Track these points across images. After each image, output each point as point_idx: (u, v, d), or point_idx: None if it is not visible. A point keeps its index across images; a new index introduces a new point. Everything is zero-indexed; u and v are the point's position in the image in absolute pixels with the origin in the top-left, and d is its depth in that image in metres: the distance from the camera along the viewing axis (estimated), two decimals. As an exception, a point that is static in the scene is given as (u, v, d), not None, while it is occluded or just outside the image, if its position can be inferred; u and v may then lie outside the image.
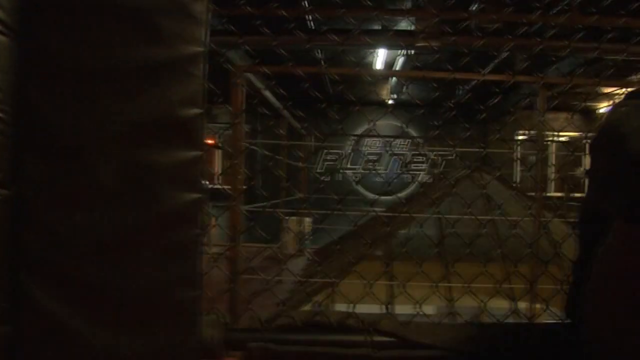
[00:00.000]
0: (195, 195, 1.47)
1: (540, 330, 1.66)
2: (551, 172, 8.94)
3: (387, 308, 2.87)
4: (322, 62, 9.46)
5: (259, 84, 4.59)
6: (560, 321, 1.63)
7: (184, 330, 1.48)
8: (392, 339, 1.59)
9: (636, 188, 1.02)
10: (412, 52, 7.97)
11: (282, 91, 2.59)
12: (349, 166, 12.63)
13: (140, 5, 1.39)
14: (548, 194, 9.80)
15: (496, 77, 2.78)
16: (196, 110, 1.46)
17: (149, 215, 1.42)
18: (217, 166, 11.50)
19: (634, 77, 8.22)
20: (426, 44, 5.98)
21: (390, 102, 12.02)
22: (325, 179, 11.00)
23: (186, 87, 1.46)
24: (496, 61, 8.91)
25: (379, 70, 9.04)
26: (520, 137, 10.86)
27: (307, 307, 4.97)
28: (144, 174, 1.40)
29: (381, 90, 11.61)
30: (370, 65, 9.86)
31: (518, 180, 10.67)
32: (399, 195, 9.49)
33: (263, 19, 1.97)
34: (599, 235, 1.27)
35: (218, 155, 12.28)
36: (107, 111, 1.37)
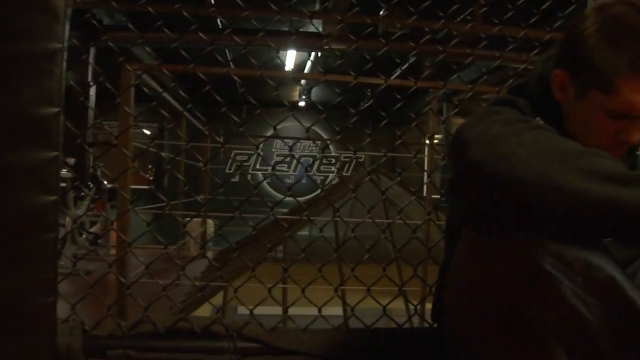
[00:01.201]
0: (51, 198, 1.40)
1: (410, 334, 1.68)
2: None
3: (285, 311, 2.86)
4: (231, 64, 9.40)
5: (155, 85, 4.49)
6: (429, 325, 1.66)
7: (38, 337, 1.42)
8: (257, 345, 1.57)
9: (474, 196, 1.05)
10: (319, 54, 8.03)
11: (182, 92, 2.55)
12: (258, 167, 12.61)
13: (-11, -2, 1.32)
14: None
15: (399, 83, 2.82)
16: (53, 109, 1.40)
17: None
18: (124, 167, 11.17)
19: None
20: (331, 47, 6.04)
21: (301, 104, 12.08)
22: (235, 180, 10.92)
23: (42, 85, 1.39)
24: (403, 67, 9.10)
25: (287, 72, 9.04)
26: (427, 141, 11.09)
27: (206, 311, 4.91)
28: (-6, 176, 1.33)
29: (292, 92, 11.65)
30: (281, 66, 9.87)
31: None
32: (309, 196, 9.51)
33: (169, 19, 1.92)
34: (457, 240, 1.30)
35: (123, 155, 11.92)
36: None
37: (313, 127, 2.19)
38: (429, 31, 2.43)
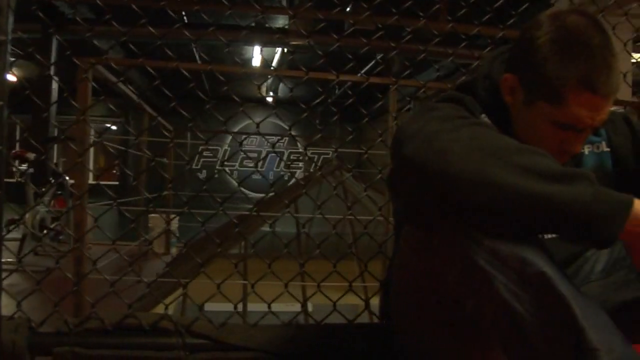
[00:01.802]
0: (-5, 192, 1.38)
1: (360, 330, 1.68)
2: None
3: (235, 307, 2.83)
4: (198, 58, 9.34)
5: (113, 79, 4.42)
6: (378, 321, 1.66)
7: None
8: (206, 341, 1.56)
9: (410, 192, 1.05)
10: (286, 50, 8.01)
11: (129, 88, 2.51)
12: (226, 163, 12.54)
13: None
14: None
15: (351, 79, 2.82)
16: (-5, 103, 1.37)
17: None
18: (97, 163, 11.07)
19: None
20: (292, 42, 6.03)
21: (269, 99, 12.05)
22: (202, 177, 10.86)
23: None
24: (369, 64, 9.15)
25: (253, 67, 9.02)
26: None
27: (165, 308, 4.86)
28: None
29: (260, 88, 11.60)
30: (248, 61, 9.84)
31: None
32: (278, 192, 9.49)
33: (154, 15, 1.90)
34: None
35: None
36: None
37: (280, 123, 2.18)
38: (382, 27, 2.44)
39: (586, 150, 1.39)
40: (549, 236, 1.24)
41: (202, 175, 11.55)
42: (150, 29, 2.01)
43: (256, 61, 9.64)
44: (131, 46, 1.91)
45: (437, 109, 1.11)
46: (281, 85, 11.08)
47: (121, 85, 3.96)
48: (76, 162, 2.55)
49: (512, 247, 0.97)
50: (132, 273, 1.84)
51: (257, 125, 2.22)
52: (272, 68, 8.93)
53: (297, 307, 3.66)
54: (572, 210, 0.93)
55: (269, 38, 7.12)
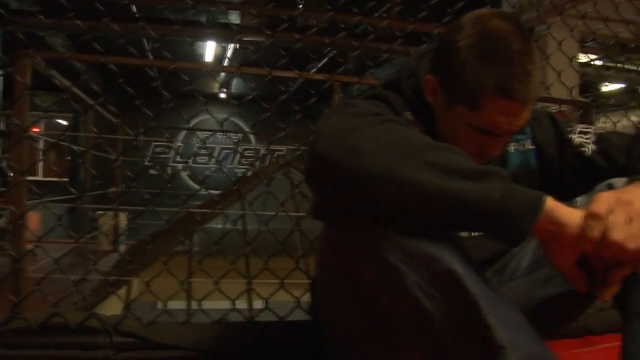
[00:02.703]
0: None
1: (291, 327, 1.68)
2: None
3: (198, 304, 2.81)
4: (150, 53, 9.21)
5: (57, 75, 4.33)
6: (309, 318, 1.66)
7: None
8: (134, 340, 1.54)
9: (322, 189, 1.04)
10: (238, 46, 7.96)
11: (61, 79, 2.46)
12: (178, 159, 12.36)
13: None
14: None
15: (287, 74, 2.81)
16: None
17: None
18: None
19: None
20: (246, 39, 5.99)
21: (222, 95, 11.94)
22: (154, 172, 10.69)
23: None
24: (322, 62, 9.15)
25: (207, 63, 8.94)
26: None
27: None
28: None
29: (213, 84, 11.51)
30: (200, 57, 9.75)
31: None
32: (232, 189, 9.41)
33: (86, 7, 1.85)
34: None
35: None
36: None
37: (233, 120, 2.16)
38: (345, 26, 2.45)
39: (512, 148, 1.40)
40: (475, 233, 1.25)
41: (155, 171, 11.35)
42: (79, 22, 1.97)
43: (209, 57, 9.58)
44: (59, 40, 1.86)
45: (353, 106, 1.09)
46: (234, 82, 11.01)
47: (59, 79, 3.86)
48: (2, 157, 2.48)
49: (423, 244, 0.96)
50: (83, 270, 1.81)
51: (221, 124, 2.21)
52: (224, 65, 8.88)
53: (256, 305, 3.62)
54: (481, 207, 0.93)
55: (230, 35, 7.05)
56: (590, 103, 4.46)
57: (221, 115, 2.39)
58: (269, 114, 2.02)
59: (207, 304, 1.83)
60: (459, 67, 1.17)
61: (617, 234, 0.91)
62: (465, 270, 0.95)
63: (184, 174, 11.32)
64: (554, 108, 4.78)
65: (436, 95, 1.26)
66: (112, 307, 4.34)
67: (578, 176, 1.36)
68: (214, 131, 6.47)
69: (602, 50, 7.26)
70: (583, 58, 9.02)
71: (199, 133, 9.98)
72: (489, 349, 0.91)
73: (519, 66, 1.14)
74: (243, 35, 5.18)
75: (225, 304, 1.83)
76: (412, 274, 0.96)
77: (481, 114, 1.17)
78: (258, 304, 2.27)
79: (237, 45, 8.39)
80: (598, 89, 11.41)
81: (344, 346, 1.29)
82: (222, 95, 11.95)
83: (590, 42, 6.77)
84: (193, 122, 11.55)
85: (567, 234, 0.94)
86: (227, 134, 10.64)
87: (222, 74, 10.30)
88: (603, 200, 0.94)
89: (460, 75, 1.17)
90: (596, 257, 0.97)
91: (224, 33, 6.76)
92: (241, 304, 2.06)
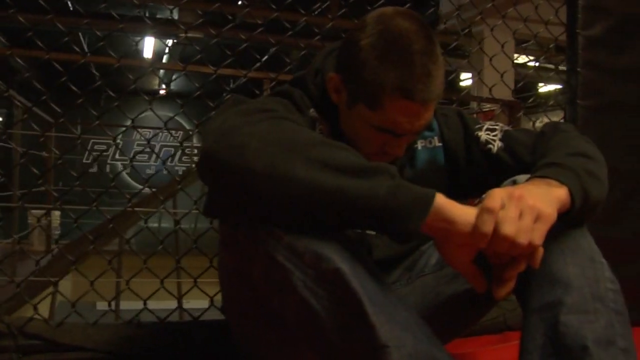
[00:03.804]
0: None
1: (204, 327, 1.66)
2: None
3: (109, 304, 2.76)
4: (86, 49, 9.00)
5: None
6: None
7: None
8: (40, 342, 1.49)
9: (211, 187, 1.04)
10: (175, 42, 7.86)
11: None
12: (117, 157, 12.15)
13: None
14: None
15: (231, 72, 2.79)
16: None
17: None
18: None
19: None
20: (187, 35, 5.92)
21: (162, 92, 11.76)
22: (93, 170, 10.48)
23: None
24: (263, 59, 9.08)
25: (146, 60, 8.80)
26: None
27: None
28: None
29: (153, 80, 11.30)
30: (139, 54, 9.58)
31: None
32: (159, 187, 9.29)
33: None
34: None
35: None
36: None
37: (168, 115, 2.13)
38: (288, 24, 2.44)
39: (419, 145, 1.41)
40: None
41: (93, 169, 11.10)
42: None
43: (147, 53, 9.43)
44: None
45: (242, 103, 1.07)
46: (174, 78, 10.85)
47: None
48: None
49: (310, 243, 0.96)
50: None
51: (165, 123, 2.18)
52: (163, 61, 8.75)
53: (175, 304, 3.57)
54: (367, 204, 0.93)
55: (170, 30, 6.95)
56: (519, 103, 4.56)
57: (162, 112, 2.35)
58: (214, 112, 2.00)
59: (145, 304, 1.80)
60: (360, 66, 1.18)
61: (508, 228, 0.92)
62: (351, 268, 0.94)
63: (124, 172, 11.12)
64: (487, 107, 4.90)
65: (340, 93, 1.26)
66: (42, 309, 4.25)
67: (485, 173, 1.38)
68: (157, 129, 6.34)
69: (539, 52, 7.45)
70: (521, 59, 9.26)
71: (141, 131, 9.84)
72: (372, 348, 0.91)
73: (420, 66, 1.14)
74: (182, 32, 5.11)
75: (159, 304, 1.82)
76: (299, 273, 0.95)
77: (382, 114, 1.17)
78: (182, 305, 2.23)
79: (175, 41, 8.27)
80: (536, 90, 11.72)
81: (248, 346, 1.28)
82: (162, 92, 11.77)
83: (525, 44, 6.94)
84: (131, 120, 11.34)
85: (459, 231, 0.95)
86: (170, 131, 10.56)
87: (163, 70, 10.13)
88: (495, 195, 0.95)
89: (361, 75, 1.18)
90: (492, 254, 0.98)
91: (167, 29, 6.66)
92: (162, 304, 2.03)
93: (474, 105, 5.87)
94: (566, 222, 1.07)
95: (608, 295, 1.06)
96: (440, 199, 0.95)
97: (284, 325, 1.03)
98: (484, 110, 4.96)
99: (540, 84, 11.24)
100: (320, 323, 0.95)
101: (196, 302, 2.19)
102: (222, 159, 0.96)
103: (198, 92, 2.01)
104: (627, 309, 1.08)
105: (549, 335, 1.02)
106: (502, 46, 2.34)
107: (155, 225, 5.70)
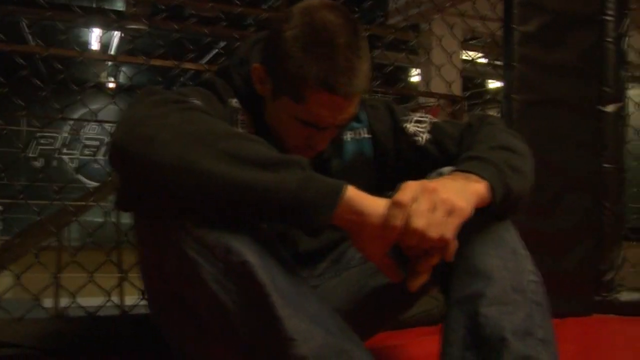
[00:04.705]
0: None
1: (136, 320, 1.63)
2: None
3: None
4: (31, 39, 8.77)
5: None
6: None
7: None
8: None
9: (121, 179, 1.02)
10: (122, 33, 7.73)
11: None
12: (65, 152, 11.87)
13: None
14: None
15: (163, 63, 2.75)
16: None
17: None
18: None
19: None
20: (130, 26, 5.83)
21: (110, 85, 11.54)
22: (39, 165, 10.26)
23: None
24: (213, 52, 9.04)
25: (94, 51, 8.63)
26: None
27: None
28: None
29: (100, 72, 11.08)
30: (85, 45, 9.39)
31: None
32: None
33: None
34: None
35: None
36: None
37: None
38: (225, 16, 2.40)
39: (348, 136, 1.40)
40: None
41: (39, 163, 10.84)
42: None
43: (94, 45, 9.23)
44: None
45: (155, 93, 1.04)
46: (123, 71, 10.67)
47: None
48: None
49: (219, 235, 0.94)
50: None
51: (95, 114, 2.13)
52: (110, 53, 8.59)
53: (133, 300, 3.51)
54: (276, 197, 0.91)
55: (107, 21, 6.82)
56: (463, 97, 4.62)
57: (112, 105, 2.32)
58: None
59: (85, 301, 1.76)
60: (284, 58, 1.16)
61: (419, 222, 0.92)
62: (259, 261, 0.93)
63: (70, 166, 10.91)
64: (432, 102, 4.94)
65: (264, 84, 1.24)
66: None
67: (412, 165, 1.38)
68: (94, 121, 6.22)
69: (483, 49, 7.57)
70: (466, 55, 9.38)
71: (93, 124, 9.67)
72: (279, 341, 0.91)
73: (344, 60, 1.13)
74: (124, 23, 5.03)
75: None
76: (209, 266, 0.94)
77: (305, 107, 1.16)
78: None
79: (122, 34, 8.13)
80: (485, 86, 11.90)
81: (173, 339, 1.25)
82: (111, 85, 11.56)
83: (471, 40, 7.04)
84: (80, 112, 11.11)
85: (370, 223, 0.94)
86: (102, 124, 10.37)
87: (110, 63, 9.93)
88: (408, 188, 0.95)
89: (285, 67, 1.16)
90: (406, 246, 0.98)
91: (104, 20, 6.54)
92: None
93: (422, 100, 5.93)
94: (488, 215, 1.07)
95: (529, 287, 1.07)
96: (351, 191, 0.95)
97: (198, 320, 1.01)
98: (428, 105, 4.99)
99: (489, 81, 11.42)
100: (230, 316, 0.94)
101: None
102: (130, 151, 0.93)
103: (130, 84, 1.97)
104: (560, 301, 1.09)
105: (469, 327, 1.03)
106: (440, 40, 2.36)
107: (100, 220, 5.57)
